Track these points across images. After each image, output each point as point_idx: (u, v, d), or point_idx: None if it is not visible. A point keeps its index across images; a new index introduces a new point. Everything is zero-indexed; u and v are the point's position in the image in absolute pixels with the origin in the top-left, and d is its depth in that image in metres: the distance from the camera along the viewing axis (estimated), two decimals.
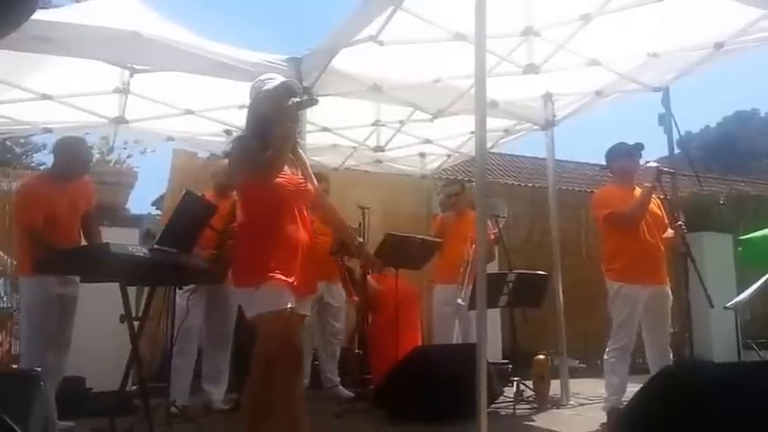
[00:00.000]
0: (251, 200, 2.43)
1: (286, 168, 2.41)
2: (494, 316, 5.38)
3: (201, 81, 3.87)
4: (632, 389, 2.81)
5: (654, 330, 3.80)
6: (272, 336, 2.26)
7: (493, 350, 5.31)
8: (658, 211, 3.91)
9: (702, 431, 2.24)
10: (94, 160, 4.27)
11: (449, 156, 5.92)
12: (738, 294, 5.29)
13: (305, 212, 2.47)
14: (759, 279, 5.14)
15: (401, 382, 3.83)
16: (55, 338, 3.40)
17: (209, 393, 4.18)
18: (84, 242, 3.62)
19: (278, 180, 2.36)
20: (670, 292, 3.84)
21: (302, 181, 2.49)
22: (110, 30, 3.33)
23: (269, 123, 2.37)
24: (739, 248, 6.51)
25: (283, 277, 2.25)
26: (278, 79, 2.48)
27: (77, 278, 3.43)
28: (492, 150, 6.29)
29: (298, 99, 2.40)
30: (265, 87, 2.44)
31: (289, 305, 2.23)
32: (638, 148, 3.91)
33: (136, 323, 2.95)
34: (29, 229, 3.40)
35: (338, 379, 4.84)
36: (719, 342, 6.17)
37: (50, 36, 3.15)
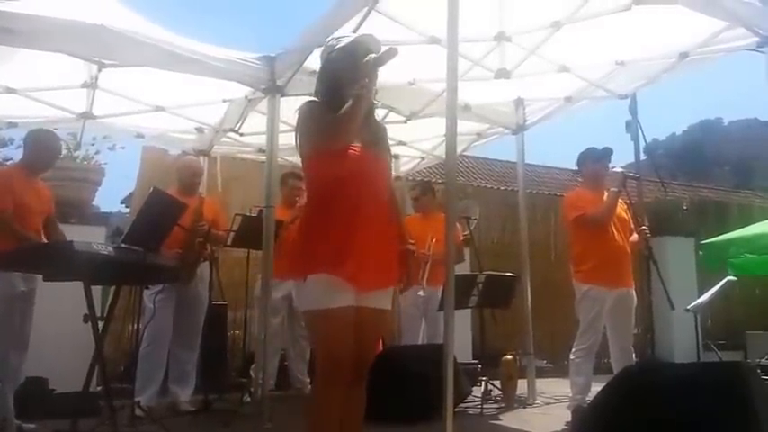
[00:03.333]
0: (313, 174, 2.13)
1: (357, 143, 2.07)
2: (464, 316, 5.44)
3: (172, 77, 3.81)
4: (597, 388, 2.87)
5: (618, 331, 3.90)
6: (317, 337, 2.06)
7: (462, 350, 5.36)
8: (625, 215, 4.02)
9: (659, 428, 2.31)
10: (61, 156, 4.16)
11: (422, 158, 5.97)
12: (699, 297, 5.46)
13: (381, 191, 2.12)
14: (718, 282, 5.31)
15: (370, 382, 3.84)
16: (16, 337, 3.31)
17: (176, 394, 4.13)
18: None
19: (345, 151, 2.02)
20: (635, 295, 3.94)
21: (376, 154, 2.12)
22: (77, 23, 3.25)
23: (342, 86, 2.07)
24: (701, 252, 6.72)
25: (333, 270, 1.95)
26: (352, 36, 2.19)
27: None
28: (464, 153, 6.35)
29: (374, 55, 2.06)
30: (339, 46, 2.13)
31: (339, 304, 1.96)
32: (608, 152, 4.03)
33: (100, 323, 2.90)
34: None
35: (308, 380, 4.81)
36: (681, 343, 6.35)
37: (15, 28, 3.06)
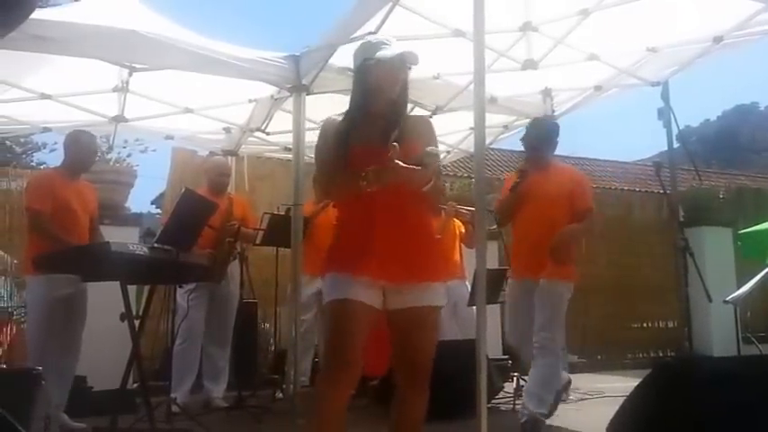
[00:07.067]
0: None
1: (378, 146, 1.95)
2: (494, 312, 5.39)
3: (200, 79, 3.86)
4: (630, 384, 2.79)
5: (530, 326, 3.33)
6: (325, 329, 2.15)
7: (493, 346, 5.32)
8: (555, 192, 3.37)
9: (698, 424, 2.25)
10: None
11: (448, 152, 5.92)
12: (738, 288, 5.30)
13: (406, 190, 1.97)
14: (758, 273, 5.14)
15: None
16: (64, 338, 3.38)
17: (209, 390, 4.21)
18: None
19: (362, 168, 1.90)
20: (557, 285, 3.29)
21: (404, 151, 1.93)
22: (108, 28, 3.33)
23: (377, 99, 2.04)
24: (739, 242, 6.52)
25: (347, 269, 1.96)
26: (394, 46, 2.03)
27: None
28: (491, 146, 6.29)
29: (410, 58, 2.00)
30: (379, 53, 2.00)
31: (348, 296, 1.94)
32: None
33: (136, 321, 2.97)
34: (35, 215, 3.37)
35: None
36: (719, 336, 6.18)
37: (49, 35, 3.14)
